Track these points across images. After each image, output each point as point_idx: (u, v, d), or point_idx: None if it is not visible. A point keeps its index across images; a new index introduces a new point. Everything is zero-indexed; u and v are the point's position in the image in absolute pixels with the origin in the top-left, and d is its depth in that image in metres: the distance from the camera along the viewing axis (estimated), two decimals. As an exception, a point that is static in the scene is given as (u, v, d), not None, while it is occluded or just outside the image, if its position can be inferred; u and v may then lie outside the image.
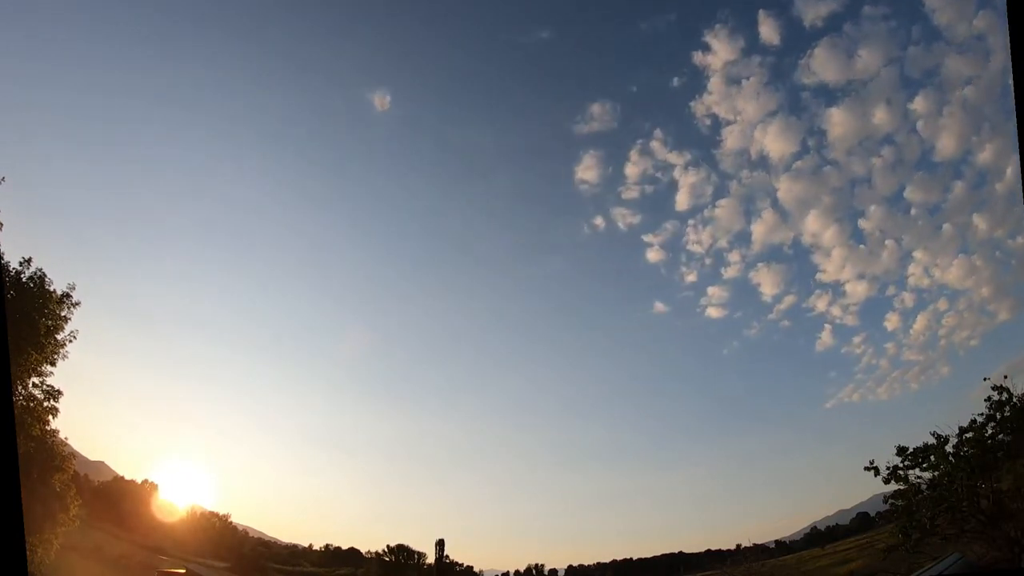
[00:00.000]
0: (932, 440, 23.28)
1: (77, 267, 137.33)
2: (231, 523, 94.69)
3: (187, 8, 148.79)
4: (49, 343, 22.00)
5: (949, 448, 22.86)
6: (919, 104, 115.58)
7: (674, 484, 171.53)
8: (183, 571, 60.12)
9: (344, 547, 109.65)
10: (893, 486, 23.96)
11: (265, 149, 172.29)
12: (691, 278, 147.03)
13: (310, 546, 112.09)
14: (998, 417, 22.19)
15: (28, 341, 21.06)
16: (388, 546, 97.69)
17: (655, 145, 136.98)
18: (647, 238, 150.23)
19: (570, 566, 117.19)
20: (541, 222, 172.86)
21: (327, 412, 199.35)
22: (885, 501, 25.92)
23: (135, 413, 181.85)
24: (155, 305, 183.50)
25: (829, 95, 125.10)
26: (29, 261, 21.98)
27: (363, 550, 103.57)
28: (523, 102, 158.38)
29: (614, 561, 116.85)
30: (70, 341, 22.71)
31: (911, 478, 23.44)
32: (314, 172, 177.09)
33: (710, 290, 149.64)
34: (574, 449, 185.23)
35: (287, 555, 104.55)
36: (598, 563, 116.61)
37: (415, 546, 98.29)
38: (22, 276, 21.72)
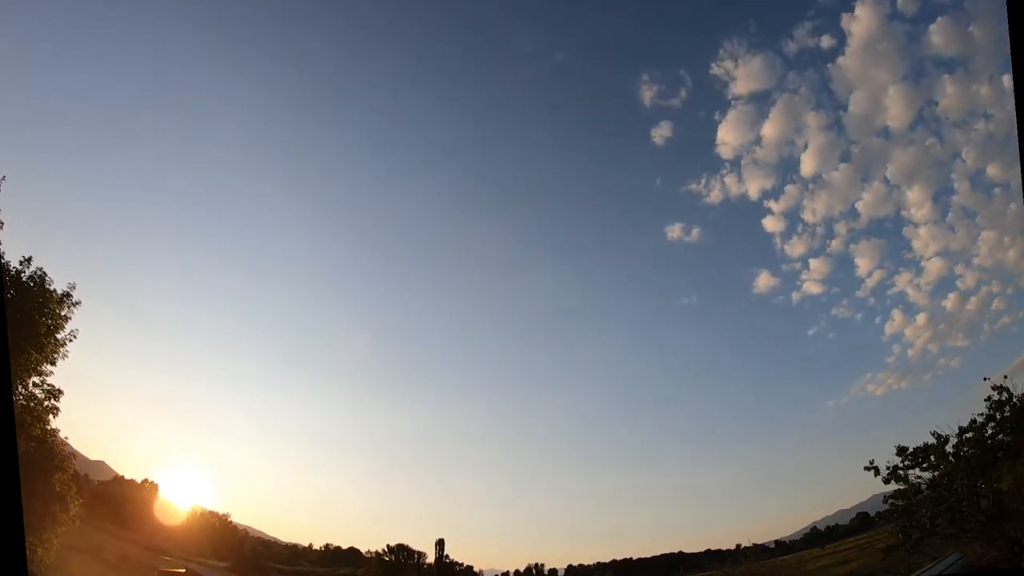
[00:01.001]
0: (932, 440, 23.34)
1: (77, 267, 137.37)
2: (231, 523, 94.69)
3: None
4: (49, 342, 22.00)
5: (949, 448, 22.89)
6: (1008, 81, 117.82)
7: (675, 484, 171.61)
8: (183, 571, 60.14)
9: (344, 547, 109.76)
10: (893, 486, 23.97)
11: (266, 149, 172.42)
12: (799, 250, 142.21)
13: (310, 546, 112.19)
14: (998, 417, 22.20)
15: (28, 340, 21.06)
16: (388, 546, 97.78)
17: (799, 103, 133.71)
18: (769, 204, 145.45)
19: (570, 566, 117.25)
20: (675, 185, 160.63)
21: (327, 412, 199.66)
22: (885, 501, 25.93)
23: (135, 413, 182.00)
24: (155, 305, 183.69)
25: (946, 66, 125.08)
26: (29, 260, 22.00)
27: (363, 550, 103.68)
28: (677, 53, 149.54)
29: (614, 561, 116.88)
30: (70, 340, 22.73)
31: (911, 478, 23.45)
32: (313, 170, 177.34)
33: (813, 263, 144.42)
34: (574, 449, 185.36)
35: (287, 555, 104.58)
36: (598, 563, 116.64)
37: (415, 546, 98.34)
38: (22, 275, 21.72)
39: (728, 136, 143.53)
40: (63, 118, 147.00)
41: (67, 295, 22.58)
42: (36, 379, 22.02)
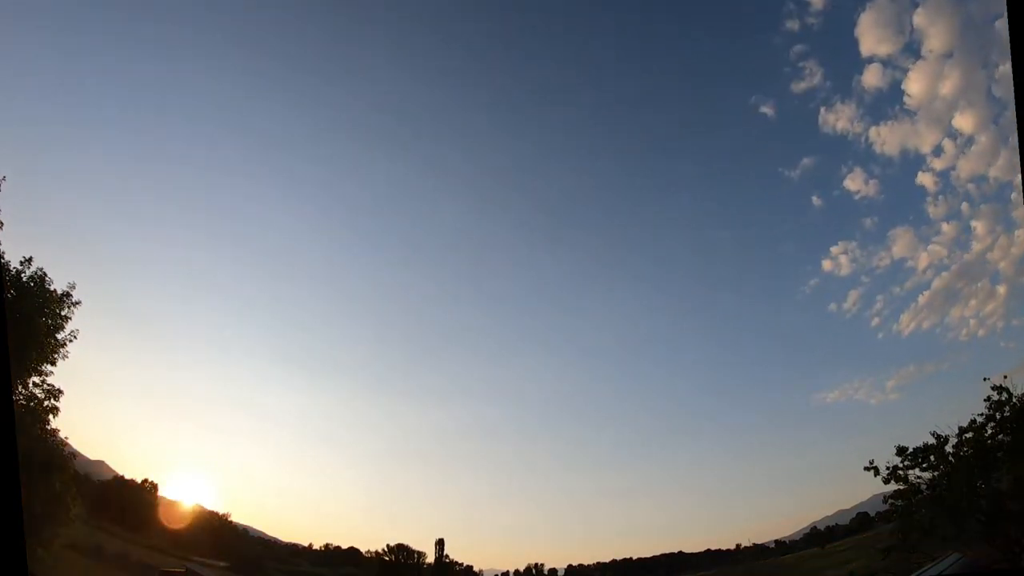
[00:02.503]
0: (932, 440, 23.33)
1: (77, 267, 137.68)
2: (231, 522, 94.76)
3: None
4: (49, 342, 21.95)
5: (949, 448, 22.88)
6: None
7: (675, 484, 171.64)
8: (183, 570, 60.14)
9: (344, 547, 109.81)
10: (893, 486, 23.95)
11: (267, 150, 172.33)
12: (941, 211, 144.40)
13: (310, 546, 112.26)
14: (998, 417, 22.17)
15: (28, 340, 21.04)
16: (388, 546, 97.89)
17: (973, 62, 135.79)
18: (932, 161, 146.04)
19: (570, 566, 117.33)
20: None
21: (328, 411, 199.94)
22: (885, 501, 25.89)
23: (135, 413, 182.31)
24: (156, 305, 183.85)
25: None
26: (29, 260, 21.92)
27: (363, 550, 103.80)
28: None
29: (614, 561, 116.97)
30: (70, 340, 22.66)
31: (911, 478, 23.43)
32: (315, 170, 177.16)
33: (945, 227, 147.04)
34: (574, 449, 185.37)
35: (287, 554, 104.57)
36: (598, 563, 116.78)
37: (415, 546, 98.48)
38: (22, 275, 21.68)
39: (915, 88, 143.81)
40: (63, 118, 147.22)
41: (67, 295, 22.52)
42: (36, 379, 21.98)
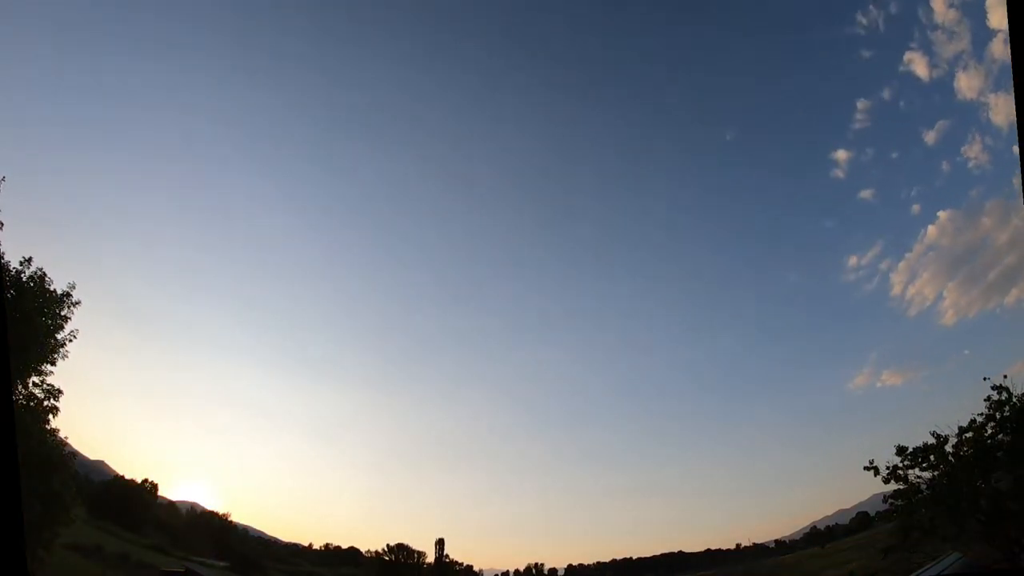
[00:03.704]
0: (931, 440, 23.32)
1: (77, 267, 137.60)
2: (231, 522, 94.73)
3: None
4: (49, 342, 21.96)
5: (949, 448, 22.87)
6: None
7: (675, 483, 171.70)
8: (183, 570, 60.18)
9: (344, 547, 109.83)
10: (893, 486, 23.94)
11: (267, 149, 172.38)
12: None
13: (310, 545, 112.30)
14: (998, 417, 22.16)
15: (28, 340, 21.03)
16: (388, 545, 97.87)
17: None
18: None
19: (570, 566, 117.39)
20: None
21: (328, 411, 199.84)
22: (885, 501, 25.89)
23: (135, 413, 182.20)
24: (155, 305, 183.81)
25: None
26: (29, 261, 21.92)
27: (363, 550, 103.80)
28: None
29: (614, 561, 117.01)
30: (70, 340, 22.67)
31: (911, 478, 23.42)
32: (317, 170, 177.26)
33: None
34: (574, 449, 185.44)
35: (287, 554, 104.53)
36: (598, 563, 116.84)
37: (415, 546, 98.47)
38: (22, 276, 21.68)
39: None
40: (63, 118, 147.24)
41: (67, 295, 22.52)
42: (36, 379, 21.98)
